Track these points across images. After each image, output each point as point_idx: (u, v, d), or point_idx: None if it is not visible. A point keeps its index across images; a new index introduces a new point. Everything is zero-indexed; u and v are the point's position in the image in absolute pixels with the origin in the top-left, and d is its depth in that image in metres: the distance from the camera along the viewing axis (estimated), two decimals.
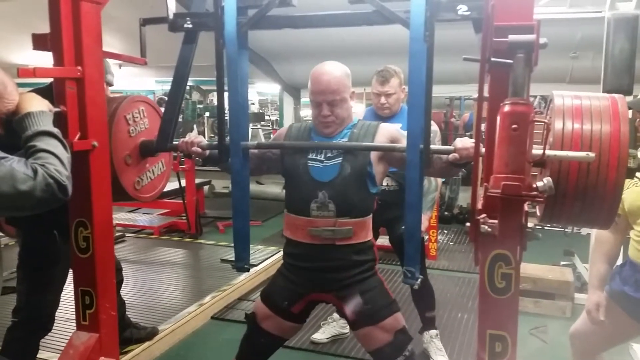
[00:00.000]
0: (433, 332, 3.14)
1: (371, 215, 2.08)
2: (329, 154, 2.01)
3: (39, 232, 2.35)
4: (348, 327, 3.41)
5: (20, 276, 2.41)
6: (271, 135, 9.78)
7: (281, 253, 5.07)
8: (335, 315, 3.42)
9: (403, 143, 1.93)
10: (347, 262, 2.01)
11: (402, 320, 2.04)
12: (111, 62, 2.67)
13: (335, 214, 1.97)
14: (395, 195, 2.77)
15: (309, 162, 2.02)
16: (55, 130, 1.60)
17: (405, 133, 1.95)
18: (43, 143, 1.54)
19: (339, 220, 1.97)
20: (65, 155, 1.57)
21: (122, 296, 3.05)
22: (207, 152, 2.08)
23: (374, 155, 2.01)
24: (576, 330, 2.37)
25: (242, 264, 2.14)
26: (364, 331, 2.02)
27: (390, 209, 2.69)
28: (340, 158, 1.99)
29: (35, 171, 1.44)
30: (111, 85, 2.62)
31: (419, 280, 1.93)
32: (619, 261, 2.36)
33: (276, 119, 10.27)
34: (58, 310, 2.52)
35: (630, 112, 2.19)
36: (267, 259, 4.78)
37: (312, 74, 2.01)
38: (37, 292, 2.39)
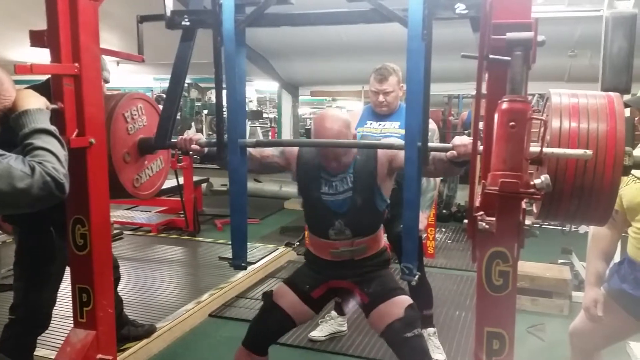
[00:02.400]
0: (431, 329, 3.15)
1: (382, 229, 2.28)
2: (339, 188, 2.16)
3: (36, 229, 2.35)
4: (346, 325, 3.43)
5: (18, 273, 2.41)
6: (269, 134, 9.79)
7: (279, 251, 5.09)
8: (333, 313, 3.42)
9: (401, 152, 1.96)
10: (364, 267, 2.24)
11: (410, 300, 2.17)
12: (109, 59, 2.67)
13: (351, 236, 2.19)
14: (394, 195, 2.78)
15: (323, 196, 2.18)
16: (53, 128, 1.60)
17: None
18: (40, 141, 1.53)
19: (355, 241, 2.19)
20: (63, 153, 1.57)
21: (120, 294, 3.05)
22: (206, 149, 2.09)
23: (381, 174, 2.14)
24: (575, 328, 2.37)
25: (239, 261, 2.14)
26: (375, 311, 2.15)
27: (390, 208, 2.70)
28: (351, 192, 2.15)
29: (32, 169, 1.44)
30: (107, 82, 2.61)
31: (417, 276, 1.94)
32: (617, 259, 2.36)
33: (274, 117, 10.26)
34: (55, 308, 2.52)
35: (628, 110, 2.19)
36: (265, 257, 4.78)
37: (314, 134, 2.11)
38: (34, 289, 2.39)
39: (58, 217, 1.99)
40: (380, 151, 2.14)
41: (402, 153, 1.95)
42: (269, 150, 2.27)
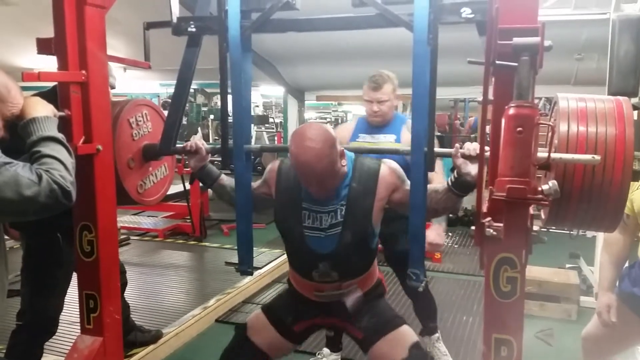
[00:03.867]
0: (435, 336, 3.09)
1: (375, 262, 2.03)
2: (326, 223, 1.85)
3: (42, 235, 2.35)
4: None
5: (24, 279, 2.42)
6: (275, 138, 9.81)
7: (285, 256, 5.01)
8: (325, 351, 3.08)
9: (404, 185, 1.87)
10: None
11: (414, 335, 1.93)
12: (115, 66, 2.68)
13: (338, 279, 1.89)
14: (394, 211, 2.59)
15: (305, 231, 1.87)
16: (60, 136, 1.60)
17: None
18: (48, 148, 1.54)
19: (343, 284, 1.90)
20: (70, 161, 1.57)
21: (127, 299, 3.05)
22: (209, 156, 2.06)
23: (377, 209, 1.87)
24: (588, 334, 2.35)
25: (245, 267, 2.13)
26: (375, 348, 1.90)
27: (389, 224, 2.28)
28: (339, 228, 1.84)
29: (39, 177, 1.44)
30: (113, 88, 2.61)
31: (424, 282, 1.91)
32: (626, 262, 2.34)
33: (280, 122, 10.28)
34: (62, 314, 2.52)
35: (635, 113, 2.17)
36: (271, 262, 4.77)
37: (295, 164, 1.80)
38: (40, 295, 2.39)
39: (65, 223, 1.99)
40: (381, 181, 1.86)
41: (405, 185, 1.86)
42: (256, 183, 2.08)
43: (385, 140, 2.70)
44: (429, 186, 1.85)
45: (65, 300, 2.53)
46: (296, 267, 2.00)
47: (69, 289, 2.51)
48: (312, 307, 1.99)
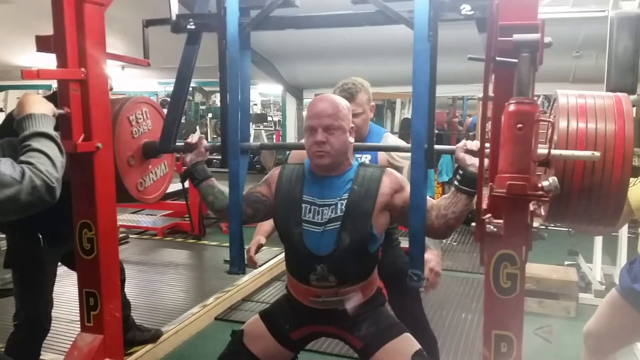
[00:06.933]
0: None
1: (376, 270, 1.94)
2: (326, 216, 1.80)
3: (22, 236, 2.33)
4: None
5: (13, 279, 2.42)
6: (274, 137, 9.81)
7: (284, 253, 5.01)
8: None
9: (406, 189, 1.80)
10: (352, 317, 1.89)
11: (416, 344, 1.84)
12: (114, 64, 2.67)
13: (336, 284, 1.83)
14: None
15: (305, 225, 1.82)
16: (54, 133, 1.56)
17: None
18: (38, 144, 1.50)
19: (340, 290, 1.84)
20: (60, 159, 1.52)
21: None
22: (207, 154, 2.04)
23: (377, 208, 1.81)
24: (589, 330, 2.35)
25: (236, 268, 2.02)
26: (375, 358, 1.82)
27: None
28: (338, 224, 1.79)
29: (22, 173, 1.39)
30: (111, 89, 2.61)
31: (424, 281, 1.90)
32: (624, 259, 2.35)
33: (278, 120, 10.28)
34: (62, 312, 2.53)
35: (635, 111, 2.18)
36: (270, 260, 4.78)
37: (309, 104, 1.85)
38: (30, 294, 2.39)
39: (46, 223, 1.96)
40: (384, 183, 1.82)
41: (407, 191, 1.79)
42: (251, 187, 1.99)
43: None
44: (429, 201, 1.79)
45: (64, 298, 2.52)
46: (294, 272, 1.93)
47: (67, 287, 2.51)
48: (310, 315, 1.92)
